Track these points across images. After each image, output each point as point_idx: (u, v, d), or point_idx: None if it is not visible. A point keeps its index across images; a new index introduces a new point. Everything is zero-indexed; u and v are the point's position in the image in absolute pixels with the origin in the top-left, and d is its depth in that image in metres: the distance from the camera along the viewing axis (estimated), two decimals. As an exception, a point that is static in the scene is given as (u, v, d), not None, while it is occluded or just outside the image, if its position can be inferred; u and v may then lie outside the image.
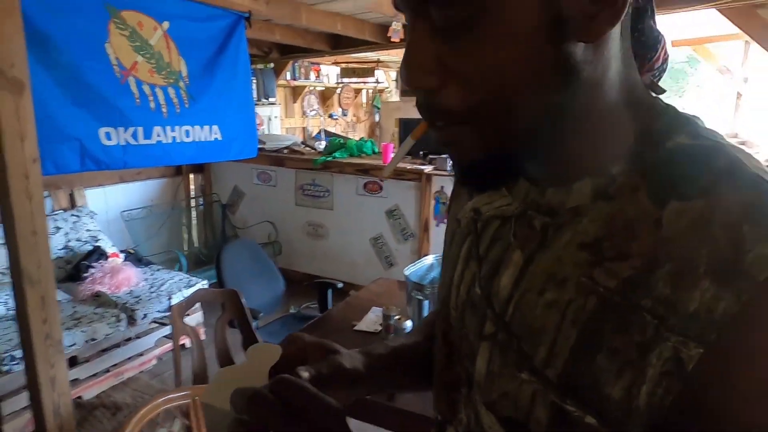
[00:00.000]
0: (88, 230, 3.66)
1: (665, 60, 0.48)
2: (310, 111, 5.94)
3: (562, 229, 0.42)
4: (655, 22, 0.45)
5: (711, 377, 0.33)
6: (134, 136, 2.44)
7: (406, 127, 4.41)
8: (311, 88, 5.88)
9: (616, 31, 0.38)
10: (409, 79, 0.39)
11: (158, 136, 2.54)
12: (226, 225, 4.80)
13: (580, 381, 0.39)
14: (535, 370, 0.42)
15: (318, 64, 5.86)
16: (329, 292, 2.98)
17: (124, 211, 4.04)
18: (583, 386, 0.39)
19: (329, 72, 6.09)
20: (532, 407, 0.42)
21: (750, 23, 2.92)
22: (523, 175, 0.47)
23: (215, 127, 2.81)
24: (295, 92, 5.75)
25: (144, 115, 2.47)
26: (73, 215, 3.66)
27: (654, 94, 0.46)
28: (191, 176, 4.80)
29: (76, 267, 3.43)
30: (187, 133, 2.67)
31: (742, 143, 5.16)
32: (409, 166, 3.76)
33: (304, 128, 5.92)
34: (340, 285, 2.95)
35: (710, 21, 4.60)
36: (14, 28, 1.45)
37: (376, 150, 4.45)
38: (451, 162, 0.46)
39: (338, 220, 4.30)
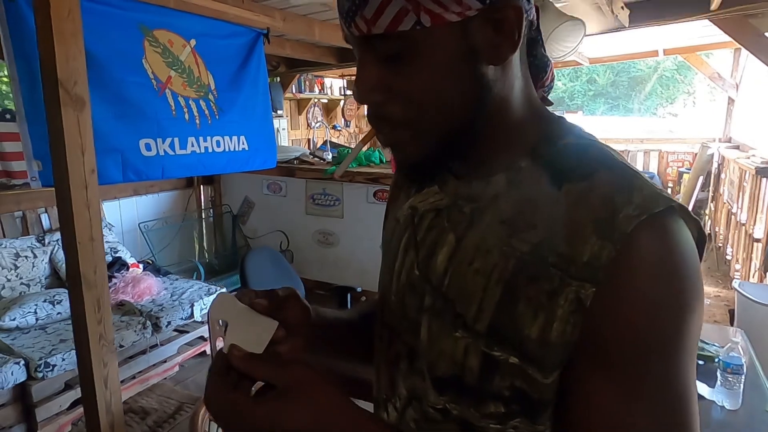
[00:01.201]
0: (107, 242, 3.74)
1: (552, 80, 0.63)
2: (315, 123, 6.07)
3: (485, 211, 0.53)
4: (544, 50, 0.58)
5: (601, 307, 0.44)
6: (171, 146, 2.56)
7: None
8: (316, 100, 6.01)
9: (516, 56, 0.51)
10: (360, 96, 0.51)
11: (192, 146, 2.66)
12: (237, 235, 4.89)
13: (504, 328, 0.49)
14: (467, 327, 0.51)
15: (321, 77, 6.00)
16: (348, 297, 3.09)
17: (141, 222, 4.13)
18: (507, 332, 0.48)
19: (332, 84, 6.23)
20: (465, 359, 0.51)
21: (742, 33, 3.08)
22: (451, 173, 0.59)
23: (242, 138, 2.94)
24: (300, 105, 5.88)
25: (180, 126, 2.59)
26: (92, 227, 3.75)
27: (546, 107, 0.59)
28: (202, 188, 4.90)
29: (97, 277, 3.52)
30: (218, 143, 2.79)
31: (736, 147, 5.33)
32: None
33: (309, 140, 6.04)
34: (359, 289, 3.05)
35: (701, 30, 4.80)
36: (77, 49, 1.57)
37: (384, 160, 4.58)
38: (397, 164, 0.58)
39: (349, 227, 4.40)
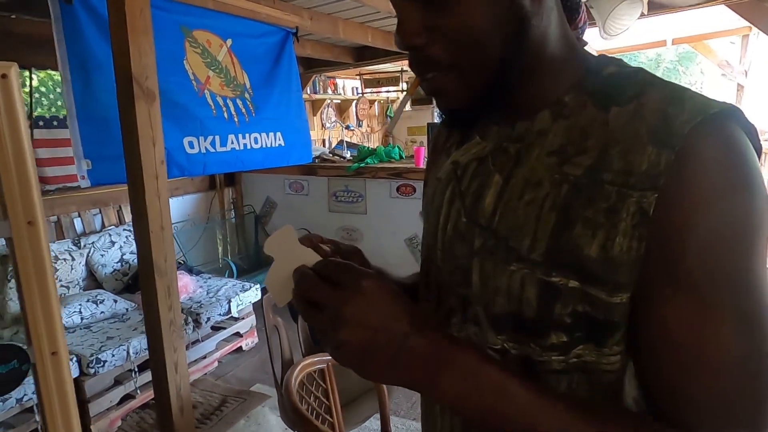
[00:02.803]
0: (139, 243, 3.82)
1: (585, 22, 0.64)
2: (329, 123, 6.15)
3: (532, 147, 0.52)
4: None
5: (666, 212, 0.43)
6: (212, 144, 2.63)
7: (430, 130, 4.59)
8: (329, 101, 6.09)
9: None
10: (403, 41, 0.50)
11: (232, 143, 2.73)
12: (260, 235, 4.96)
13: (561, 253, 0.47)
14: (522, 258, 0.50)
15: (334, 77, 6.08)
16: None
17: (174, 223, 4.20)
18: (564, 256, 0.47)
19: (345, 85, 6.32)
20: (522, 291, 0.50)
21: (758, 16, 3.15)
22: (492, 121, 0.58)
23: (278, 134, 3.02)
24: (315, 105, 5.96)
25: (220, 125, 2.66)
26: (125, 230, 3.81)
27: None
28: (225, 190, 4.97)
29: (133, 278, 3.58)
30: (256, 140, 2.86)
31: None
32: (442, 167, 3.96)
33: (324, 140, 6.12)
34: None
35: (708, 18, 4.88)
36: (148, 45, 1.64)
37: (403, 155, 4.66)
38: (441, 113, 0.58)
39: (372, 223, 4.47)
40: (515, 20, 0.48)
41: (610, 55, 0.55)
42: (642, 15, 3.29)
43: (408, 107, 7.12)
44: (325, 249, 0.57)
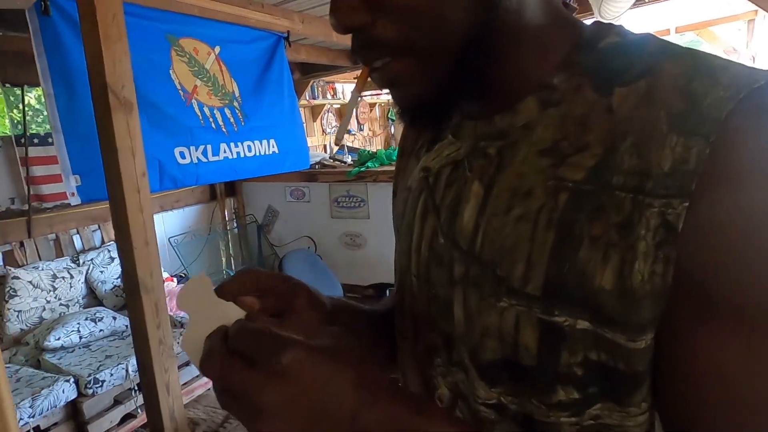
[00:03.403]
0: (139, 258, 3.77)
1: None
2: (330, 128, 6.09)
3: (516, 145, 0.42)
4: None
5: (700, 226, 0.33)
6: (204, 153, 2.57)
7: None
8: (329, 106, 6.04)
9: None
10: (340, 22, 0.39)
11: (225, 152, 2.68)
12: (263, 244, 4.89)
13: (564, 284, 0.37)
14: (514, 291, 0.39)
15: (333, 82, 6.03)
16: (387, 293, 3.06)
17: (171, 237, 4.15)
18: (569, 288, 0.37)
19: (344, 89, 6.26)
20: (517, 334, 0.39)
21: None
22: (465, 115, 0.47)
23: (272, 141, 2.95)
24: (315, 111, 5.90)
25: (210, 134, 2.61)
26: (124, 245, 3.77)
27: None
28: (225, 200, 4.92)
29: (133, 294, 3.53)
30: (249, 148, 2.80)
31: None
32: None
33: (325, 145, 6.06)
34: (397, 284, 3.03)
35: (712, 3, 4.76)
36: (123, 52, 1.57)
37: (404, 157, 4.58)
38: (396, 108, 0.45)
39: (376, 228, 4.38)
40: None
41: (607, 22, 0.44)
42: (642, 2, 3.18)
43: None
44: (249, 300, 0.42)
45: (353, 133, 6.50)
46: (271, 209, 4.91)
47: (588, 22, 0.46)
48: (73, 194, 2.30)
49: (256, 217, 4.97)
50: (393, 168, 3.32)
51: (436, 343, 0.47)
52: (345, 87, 6.29)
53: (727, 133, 0.32)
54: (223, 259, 4.85)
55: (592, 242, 0.36)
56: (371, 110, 6.63)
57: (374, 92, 6.35)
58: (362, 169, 4.23)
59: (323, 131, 6.06)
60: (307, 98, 5.50)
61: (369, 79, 0.45)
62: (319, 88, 5.76)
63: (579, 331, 0.37)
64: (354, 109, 0.47)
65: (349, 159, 4.79)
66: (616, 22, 0.46)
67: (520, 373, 0.40)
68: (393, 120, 6.77)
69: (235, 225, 4.96)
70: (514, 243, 0.39)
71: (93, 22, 1.50)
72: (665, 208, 0.33)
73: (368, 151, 4.58)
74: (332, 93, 6.05)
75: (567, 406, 0.39)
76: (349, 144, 6.24)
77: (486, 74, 0.42)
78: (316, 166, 4.63)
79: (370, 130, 6.86)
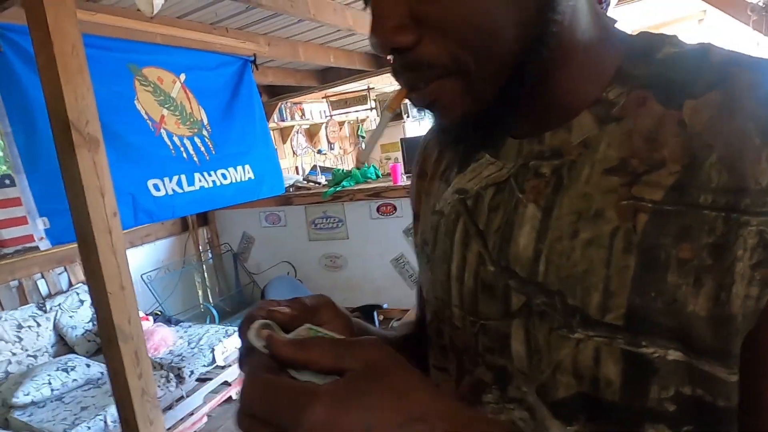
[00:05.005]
0: (111, 299, 3.58)
1: None
2: (300, 150, 6.02)
3: (576, 165, 0.39)
4: None
5: None
6: (179, 184, 2.48)
7: (408, 147, 4.47)
8: (298, 127, 5.97)
9: None
10: (383, 42, 0.36)
11: (200, 181, 2.59)
12: (240, 273, 4.75)
13: (652, 311, 0.34)
14: (591, 322, 0.36)
15: (300, 103, 5.97)
16: (375, 315, 2.99)
17: (143, 273, 3.97)
18: (657, 316, 0.34)
19: (312, 109, 6.21)
20: (597, 368, 0.36)
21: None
22: (510, 131, 0.44)
23: (247, 167, 2.86)
24: (284, 133, 5.82)
25: (181, 164, 2.50)
26: (93, 286, 3.58)
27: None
28: (198, 230, 4.76)
29: (107, 337, 3.34)
30: (224, 176, 2.71)
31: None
32: (421, 182, 3.84)
33: (297, 167, 5.98)
34: (385, 305, 2.95)
35: (663, 5, 4.92)
36: (85, 87, 1.47)
37: (380, 174, 4.53)
38: (438, 127, 0.43)
39: (355, 247, 4.31)
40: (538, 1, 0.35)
41: (656, 32, 0.41)
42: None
43: (375, 124, 7.05)
44: (283, 312, 0.38)
45: (324, 152, 6.44)
46: (246, 236, 4.77)
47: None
48: (41, 238, 2.15)
49: (231, 245, 4.82)
50: (368, 185, 3.25)
51: (485, 379, 0.44)
52: (313, 107, 6.24)
53: None
54: (200, 292, 4.68)
55: (681, 266, 0.33)
56: (341, 129, 6.58)
57: (342, 110, 6.32)
58: (338, 189, 4.16)
59: (294, 152, 5.98)
60: (276, 120, 5.42)
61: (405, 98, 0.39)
62: (287, 110, 5.68)
63: (671, 362, 0.34)
64: (382, 129, 0.41)
65: (323, 179, 4.72)
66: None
67: (602, 409, 0.37)
68: (363, 137, 6.74)
69: (210, 255, 4.80)
70: (586, 269, 0.37)
71: (50, 55, 1.39)
72: (764, 227, 0.31)
73: (343, 170, 4.52)
74: (301, 114, 5.99)
75: None
76: (321, 164, 6.17)
77: (537, 91, 0.39)
78: (291, 189, 4.54)
79: (341, 148, 6.81)
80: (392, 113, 0.41)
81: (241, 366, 0.36)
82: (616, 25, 0.42)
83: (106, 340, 1.57)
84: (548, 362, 0.39)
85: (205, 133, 2.70)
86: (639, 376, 0.35)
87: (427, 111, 0.40)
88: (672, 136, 0.35)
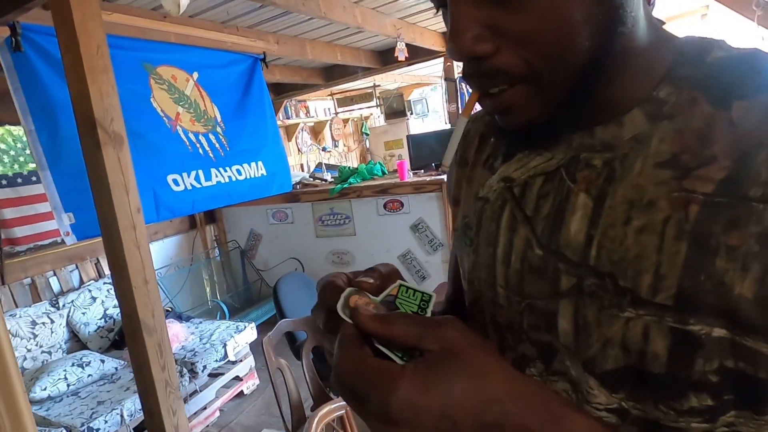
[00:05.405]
0: (122, 295, 3.62)
1: None
2: (305, 147, 6.04)
3: (628, 158, 0.41)
4: None
5: None
6: (197, 179, 2.52)
7: (415, 144, 4.49)
8: (303, 124, 6.00)
9: None
10: (462, 51, 0.39)
11: (217, 176, 2.63)
12: (247, 270, 4.78)
13: (700, 293, 0.37)
14: (641, 302, 0.39)
15: (305, 101, 5.99)
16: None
17: (157, 269, 4.01)
18: (706, 297, 0.36)
19: (317, 107, 6.24)
20: (645, 343, 0.39)
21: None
22: (560, 126, 0.46)
23: (260, 163, 2.91)
24: (289, 131, 5.85)
25: (198, 160, 2.55)
26: (105, 283, 3.61)
27: None
28: (206, 228, 4.80)
29: (119, 334, 3.38)
30: (239, 172, 2.75)
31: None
32: (428, 179, 3.87)
33: (302, 164, 6.00)
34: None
35: (663, 0, 4.93)
36: (110, 86, 1.50)
37: (386, 171, 4.56)
38: (502, 129, 0.45)
39: (363, 243, 4.34)
40: (610, 7, 0.38)
41: (705, 36, 0.43)
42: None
43: (382, 122, 7.06)
44: (368, 282, 0.41)
45: (329, 150, 6.47)
46: (253, 233, 4.81)
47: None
48: (68, 233, 2.18)
49: (238, 242, 4.86)
50: (375, 182, 3.27)
51: (529, 354, 0.47)
52: (317, 104, 6.26)
53: None
54: (208, 288, 4.72)
55: (729, 252, 0.36)
56: (345, 126, 6.61)
57: (347, 108, 6.34)
58: (344, 186, 4.19)
59: (299, 150, 6.01)
60: (281, 118, 5.45)
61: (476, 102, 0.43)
62: (292, 108, 5.71)
63: (715, 339, 0.36)
64: (460, 133, 0.44)
65: (328, 176, 4.75)
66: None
67: (647, 379, 0.40)
68: (367, 134, 6.76)
69: (218, 253, 4.84)
70: (639, 253, 0.39)
71: (76, 55, 1.42)
72: None
73: (349, 167, 4.55)
74: (306, 111, 6.02)
75: (699, 413, 0.38)
76: (326, 161, 6.20)
77: (596, 94, 0.42)
78: (297, 186, 4.57)
79: (345, 145, 6.84)
80: (467, 118, 0.44)
81: (325, 328, 0.41)
82: (664, 27, 0.45)
83: (130, 334, 1.60)
84: (597, 337, 0.41)
85: (219, 129, 2.73)
86: (685, 350, 0.37)
87: (496, 115, 0.43)
88: (722, 135, 0.38)
